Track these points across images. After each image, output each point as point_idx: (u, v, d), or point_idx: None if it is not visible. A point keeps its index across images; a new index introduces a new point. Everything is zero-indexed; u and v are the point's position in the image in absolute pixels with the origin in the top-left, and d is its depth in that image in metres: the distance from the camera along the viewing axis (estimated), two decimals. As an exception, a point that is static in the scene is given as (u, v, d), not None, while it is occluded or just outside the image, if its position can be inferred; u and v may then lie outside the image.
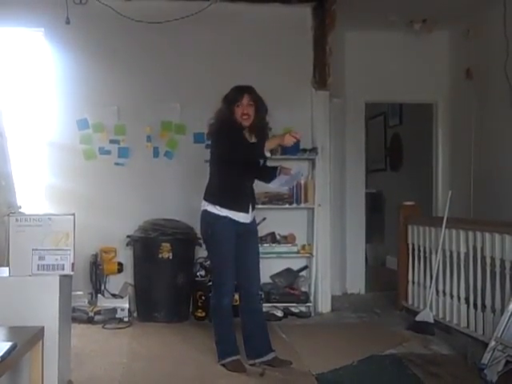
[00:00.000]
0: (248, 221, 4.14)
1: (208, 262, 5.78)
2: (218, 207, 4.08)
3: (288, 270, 6.02)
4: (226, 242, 4.12)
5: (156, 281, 5.55)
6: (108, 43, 6.00)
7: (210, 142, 4.46)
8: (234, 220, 4.09)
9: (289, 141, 3.81)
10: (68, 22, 5.72)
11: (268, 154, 3.97)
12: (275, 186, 4.37)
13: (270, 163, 4.37)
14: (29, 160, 6.01)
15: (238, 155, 4.04)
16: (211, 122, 4.19)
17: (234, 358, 4.12)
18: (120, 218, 5.87)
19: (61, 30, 5.83)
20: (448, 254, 5.16)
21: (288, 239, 6.03)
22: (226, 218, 4.07)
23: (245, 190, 4.16)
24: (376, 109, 8.97)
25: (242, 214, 4.10)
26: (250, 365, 4.14)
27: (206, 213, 4.16)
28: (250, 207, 4.15)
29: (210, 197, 4.18)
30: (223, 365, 4.13)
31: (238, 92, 4.11)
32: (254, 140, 4.15)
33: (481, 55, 6.44)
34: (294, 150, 5.83)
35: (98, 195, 5.94)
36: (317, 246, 6.01)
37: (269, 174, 4.27)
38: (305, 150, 5.97)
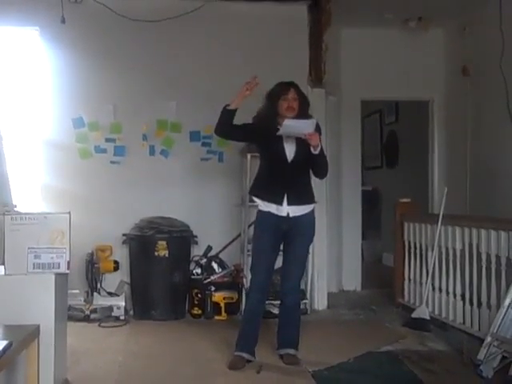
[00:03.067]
0: (284, 214, 4.12)
1: (204, 260, 5.81)
2: (254, 198, 4.24)
3: (284, 268, 6.02)
4: (263, 239, 4.20)
5: (152, 279, 5.56)
6: (103, 42, 5.99)
7: None
8: (273, 214, 4.12)
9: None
10: (63, 21, 5.72)
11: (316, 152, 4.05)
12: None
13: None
14: (24, 159, 6.00)
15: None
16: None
17: (239, 353, 4.14)
18: (116, 217, 5.87)
19: (56, 29, 5.82)
20: (444, 250, 5.18)
21: (284, 236, 6.02)
22: (265, 212, 4.15)
23: (278, 181, 4.15)
24: (372, 106, 8.99)
25: (274, 206, 4.12)
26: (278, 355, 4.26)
27: (257, 211, 4.29)
28: (286, 200, 4.11)
29: (251, 187, 4.40)
30: None
31: (285, 86, 4.18)
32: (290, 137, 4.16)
33: (476, 52, 6.44)
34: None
35: (93, 194, 5.94)
36: (313, 243, 5.98)
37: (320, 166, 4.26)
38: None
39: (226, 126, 4.14)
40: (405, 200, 6.06)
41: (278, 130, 4.09)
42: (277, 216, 4.12)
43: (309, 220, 4.26)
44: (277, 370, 4.06)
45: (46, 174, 5.94)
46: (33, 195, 5.92)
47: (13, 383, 3.35)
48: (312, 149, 4.02)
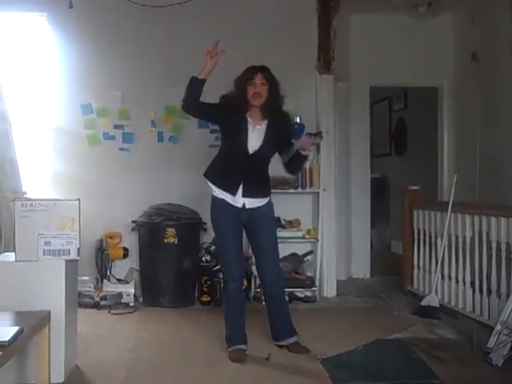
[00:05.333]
0: (239, 205, 4.04)
1: (213, 247, 5.81)
2: (209, 183, 4.11)
3: (293, 255, 6.02)
4: (224, 227, 4.10)
5: (161, 266, 5.56)
6: (111, 27, 5.97)
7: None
8: (229, 203, 4.04)
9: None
10: (71, 7, 5.66)
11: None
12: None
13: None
14: (33, 145, 6.01)
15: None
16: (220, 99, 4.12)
17: (237, 347, 4.07)
18: (125, 203, 5.88)
19: (64, 15, 5.78)
20: (453, 238, 5.15)
21: (293, 224, 6.02)
22: (222, 200, 4.05)
23: (234, 172, 4.05)
24: (381, 93, 8.93)
25: (228, 195, 4.03)
26: (276, 345, 4.20)
27: (211, 196, 4.17)
28: (240, 192, 4.02)
29: (206, 170, 4.21)
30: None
31: (252, 71, 4.06)
32: (265, 122, 4.07)
33: (486, 38, 6.37)
34: (299, 134, 5.80)
35: (102, 181, 5.95)
36: (322, 230, 6.00)
37: (292, 162, 4.19)
38: (309, 135, 5.94)
39: (194, 99, 3.99)
40: (414, 187, 6.03)
41: (246, 118, 4.02)
42: (233, 206, 4.05)
43: (267, 208, 4.19)
44: (286, 357, 4.05)
45: (55, 161, 5.95)
46: (42, 182, 5.93)
47: (24, 369, 3.39)
48: (303, 152, 4.00)
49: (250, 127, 4.05)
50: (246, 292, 5.58)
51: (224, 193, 4.05)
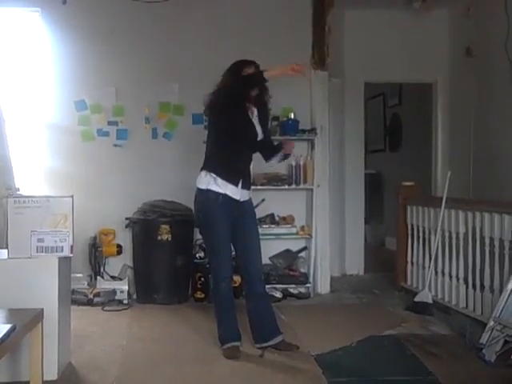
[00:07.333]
0: (238, 197, 4.04)
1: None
2: (212, 174, 4.02)
3: (287, 251, 6.03)
4: (218, 225, 4.04)
5: (155, 263, 5.56)
6: (105, 23, 5.95)
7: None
8: (228, 198, 4.01)
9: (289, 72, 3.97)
10: (64, 2, 5.69)
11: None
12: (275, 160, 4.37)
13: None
14: (27, 142, 5.99)
15: (238, 133, 4.06)
16: (214, 89, 4.08)
17: (231, 344, 4.05)
18: (119, 200, 5.86)
19: (57, 10, 5.79)
20: (447, 234, 5.15)
21: (287, 220, 6.02)
22: (219, 197, 4.00)
23: (238, 162, 4.10)
24: (375, 89, 8.92)
25: (231, 187, 4.01)
26: (258, 348, 4.10)
27: (198, 192, 4.12)
28: (241, 183, 4.05)
29: (205, 164, 4.14)
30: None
31: (247, 64, 4.09)
32: (255, 114, 4.15)
33: (481, 33, 6.38)
34: (293, 131, 5.84)
35: (96, 177, 5.93)
36: (316, 227, 6.00)
37: (271, 150, 4.31)
38: (304, 131, 5.96)
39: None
40: (408, 183, 6.02)
41: (245, 108, 4.09)
42: (230, 200, 4.02)
43: (251, 202, 4.26)
44: (279, 354, 4.05)
45: (48, 157, 5.93)
46: (35, 178, 5.91)
47: (17, 366, 3.38)
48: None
49: (250, 115, 4.12)
50: (238, 289, 5.60)
51: (227, 184, 4.01)
